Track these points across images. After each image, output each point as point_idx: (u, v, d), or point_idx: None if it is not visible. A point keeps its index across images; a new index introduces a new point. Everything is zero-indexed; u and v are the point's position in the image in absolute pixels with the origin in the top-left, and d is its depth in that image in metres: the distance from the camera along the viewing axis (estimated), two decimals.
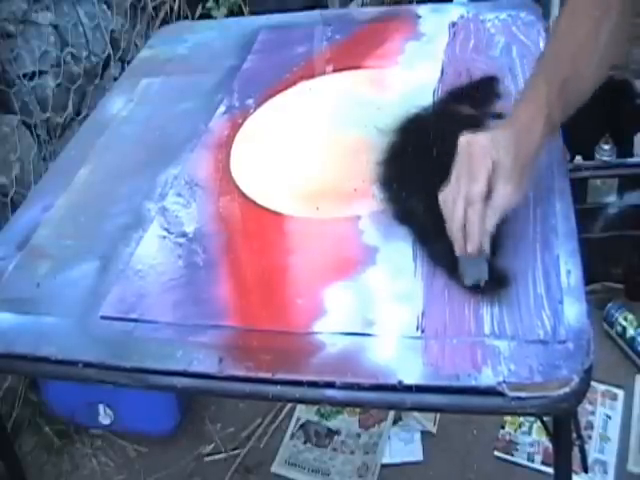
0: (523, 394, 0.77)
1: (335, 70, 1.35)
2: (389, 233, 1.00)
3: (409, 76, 1.29)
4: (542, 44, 1.29)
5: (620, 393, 1.76)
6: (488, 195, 0.86)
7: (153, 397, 1.72)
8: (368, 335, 0.86)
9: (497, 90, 1.20)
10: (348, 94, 1.29)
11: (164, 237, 1.07)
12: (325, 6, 2.45)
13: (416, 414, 1.79)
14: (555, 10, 2.19)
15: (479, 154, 0.87)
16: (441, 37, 1.37)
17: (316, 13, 1.57)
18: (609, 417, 1.72)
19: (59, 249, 1.09)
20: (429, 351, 0.83)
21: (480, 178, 0.85)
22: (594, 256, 1.47)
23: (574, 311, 0.84)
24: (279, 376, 0.83)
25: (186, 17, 2.48)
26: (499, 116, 1.09)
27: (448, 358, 0.82)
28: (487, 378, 0.79)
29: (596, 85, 0.95)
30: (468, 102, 1.19)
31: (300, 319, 0.91)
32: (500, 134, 0.89)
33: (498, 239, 0.93)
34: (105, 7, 2.23)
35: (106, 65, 2.21)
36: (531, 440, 1.71)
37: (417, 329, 0.86)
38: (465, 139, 0.89)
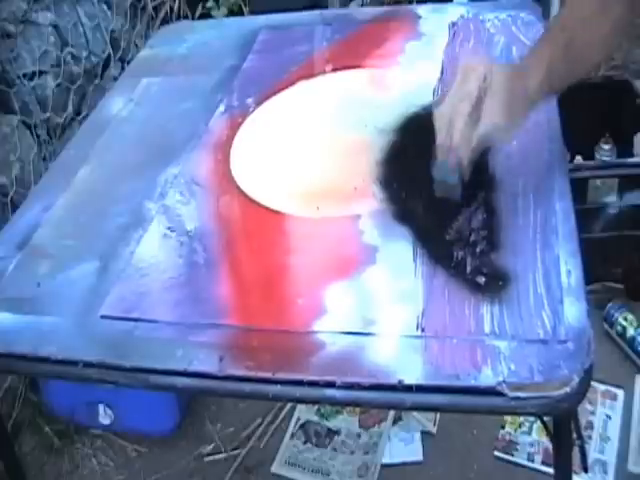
0: (523, 394, 0.77)
1: (335, 70, 1.35)
2: (389, 232, 1.00)
3: (409, 76, 1.29)
4: None
5: (620, 393, 1.76)
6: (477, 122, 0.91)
7: (153, 397, 1.72)
8: (368, 334, 0.87)
9: None
10: (348, 94, 1.29)
11: (164, 237, 1.07)
12: (325, 6, 2.44)
13: (416, 414, 1.78)
14: (555, 10, 2.19)
15: (473, 78, 0.92)
16: (441, 37, 1.37)
17: (316, 13, 1.58)
18: (609, 417, 1.72)
19: (59, 249, 1.09)
20: (429, 350, 0.83)
21: (469, 98, 0.91)
22: (594, 256, 1.46)
23: (574, 311, 0.84)
24: (279, 376, 0.83)
25: (186, 17, 2.48)
26: None
27: (448, 357, 0.82)
28: (487, 378, 0.79)
29: (601, 60, 1.01)
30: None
31: (300, 318, 0.91)
32: (499, 69, 0.94)
33: (498, 237, 0.93)
34: (105, 7, 2.23)
35: (106, 65, 2.21)
36: (531, 440, 1.71)
37: (417, 328, 0.86)
38: (465, 63, 0.96)
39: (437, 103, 0.96)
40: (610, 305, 1.88)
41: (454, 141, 0.92)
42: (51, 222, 1.14)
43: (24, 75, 1.88)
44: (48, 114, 1.95)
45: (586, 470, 1.03)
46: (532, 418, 1.66)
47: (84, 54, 2.10)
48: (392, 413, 1.81)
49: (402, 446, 1.75)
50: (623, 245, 1.88)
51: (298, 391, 0.84)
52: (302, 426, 1.83)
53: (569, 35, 0.95)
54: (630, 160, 1.89)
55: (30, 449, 1.84)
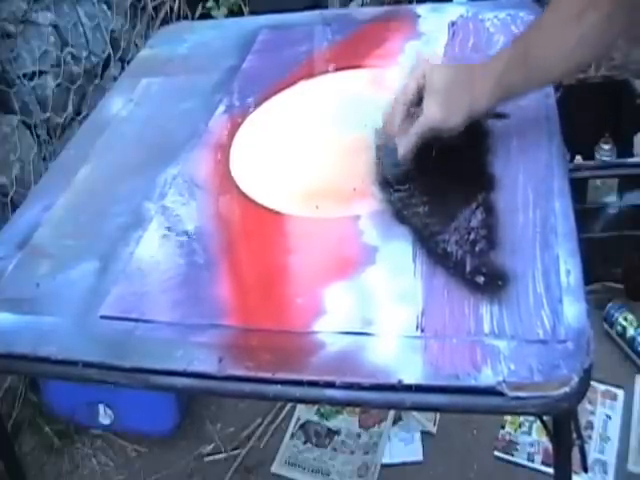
0: (523, 394, 0.77)
1: (335, 70, 1.35)
2: (389, 233, 1.00)
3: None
4: None
5: (620, 393, 1.76)
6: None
7: (153, 397, 1.72)
8: (368, 334, 0.86)
9: None
10: (348, 94, 1.29)
11: (164, 237, 1.07)
12: (325, 6, 2.44)
13: (416, 414, 1.78)
14: None
15: (413, 76, 1.00)
16: (441, 37, 1.37)
17: (316, 13, 1.57)
18: (609, 417, 1.72)
19: (59, 249, 1.09)
20: (429, 350, 0.83)
21: (409, 82, 1.00)
22: (594, 256, 1.47)
23: (574, 311, 0.84)
24: (279, 376, 0.83)
25: (186, 17, 2.49)
26: (498, 116, 1.09)
27: (448, 357, 0.82)
28: (487, 377, 0.79)
29: (561, 74, 1.02)
30: None
31: (300, 318, 0.91)
32: (446, 65, 1.02)
33: (497, 237, 0.93)
34: (105, 7, 2.23)
35: (106, 65, 2.21)
36: (531, 440, 1.71)
37: (417, 329, 0.86)
38: (414, 62, 1.04)
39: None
40: (610, 305, 1.88)
41: (394, 134, 1.02)
42: (51, 222, 1.14)
43: (24, 75, 1.89)
44: (48, 114, 1.95)
45: (586, 470, 1.03)
46: (532, 418, 1.66)
47: (84, 54, 2.10)
48: (392, 413, 1.81)
49: (402, 446, 1.75)
50: (623, 245, 1.88)
51: (298, 391, 0.84)
52: (302, 426, 1.83)
53: (528, 49, 0.95)
54: (630, 160, 1.89)
55: (30, 449, 1.85)
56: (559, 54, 0.94)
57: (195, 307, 0.95)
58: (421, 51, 1.02)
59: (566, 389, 0.76)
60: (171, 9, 2.46)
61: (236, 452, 1.81)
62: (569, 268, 0.89)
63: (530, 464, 1.67)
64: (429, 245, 0.96)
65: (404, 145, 1.01)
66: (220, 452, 1.82)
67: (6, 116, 1.86)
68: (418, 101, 1.00)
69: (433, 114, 0.97)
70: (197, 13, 2.50)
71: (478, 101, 0.97)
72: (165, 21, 2.41)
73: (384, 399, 0.82)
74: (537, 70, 0.96)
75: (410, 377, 0.80)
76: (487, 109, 1.00)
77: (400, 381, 0.80)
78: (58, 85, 1.99)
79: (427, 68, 0.99)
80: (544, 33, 0.95)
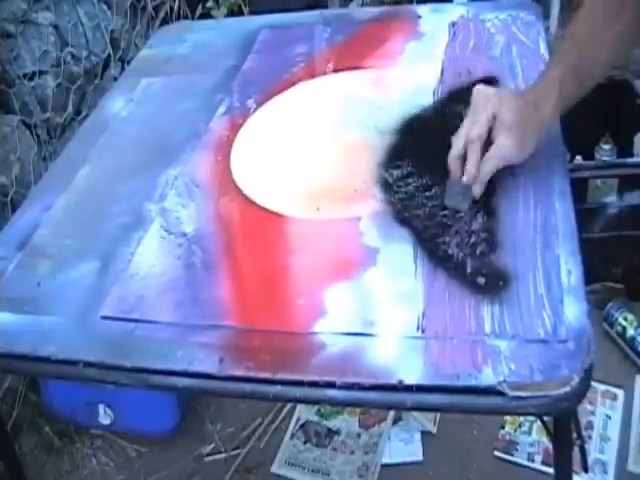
0: (523, 393, 0.77)
1: (335, 70, 1.35)
2: (389, 234, 1.00)
3: (409, 76, 1.29)
4: (542, 44, 1.29)
5: (620, 393, 1.77)
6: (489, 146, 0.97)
7: (153, 397, 1.72)
8: (368, 335, 0.86)
9: None
10: (348, 94, 1.29)
11: (164, 237, 1.06)
12: (325, 6, 2.45)
13: (416, 414, 1.78)
14: (555, 10, 2.19)
15: (483, 102, 0.99)
16: (441, 37, 1.37)
17: (316, 13, 1.57)
18: (609, 417, 1.72)
19: (59, 249, 1.09)
20: (429, 351, 0.83)
21: (480, 121, 0.97)
22: (594, 256, 1.47)
23: (574, 311, 0.84)
24: (279, 376, 0.83)
25: (186, 17, 2.48)
26: None
27: (448, 358, 0.82)
28: (487, 378, 0.79)
29: (608, 71, 1.04)
30: (468, 102, 1.19)
31: (301, 319, 0.91)
32: (509, 95, 0.99)
33: (498, 237, 0.93)
34: (105, 7, 2.23)
35: (106, 65, 2.21)
36: (531, 440, 1.71)
37: (417, 329, 0.86)
38: (477, 88, 1.00)
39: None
40: (610, 305, 1.88)
41: (466, 179, 0.99)
42: (51, 222, 1.14)
43: (24, 75, 1.88)
44: (48, 114, 1.95)
45: (586, 470, 1.03)
46: (532, 418, 1.66)
47: (84, 54, 2.10)
48: (392, 413, 1.81)
49: (402, 446, 1.75)
50: (623, 245, 1.88)
51: (298, 391, 0.84)
52: (302, 426, 1.83)
53: (578, 54, 0.97)
54: (630, 160, 1.89)
55: (30, 449, 1.84)
56: (605, 54, 0.98)
57: (196, 307, 0.95)
58: (481, 88, 1.01)
59: (566, 389, 0.77)
60: (171, 9, 2.46)
61: (236, 452, 1.81)
62: (570, 268, 0.89)
63: (530, 464, 1.67)
64: (430, 246, 0.96)
65: (481, 185, 0.99)
66: (220, 452, 1.82)
67: (6, 116, 1.85)
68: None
69: (509, 151, 0.97)
70: (197, 13, 2.49)
71: (545, 123, 0.98)
72: (165, 21, 2.40)
73: (385, 399, 0.82)
74: (587, 73, 0.98)
75: (411, 377, 0.80)
76: (552, 123, 1.01)
77: (401, 381, 0.80)
78: (58, 85, 1.99)
79: (496, 104, 0.97)
80: (589, 38, 0.97)
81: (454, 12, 1.44)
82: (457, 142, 0.99)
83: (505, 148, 0.97)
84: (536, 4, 1.44)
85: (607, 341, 1.85)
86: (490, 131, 0.97)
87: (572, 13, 1.05)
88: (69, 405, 1.80)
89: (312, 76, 1.35)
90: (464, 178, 0.99)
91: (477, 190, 0.99)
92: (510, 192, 1.02)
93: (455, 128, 1.01)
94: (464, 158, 0.99)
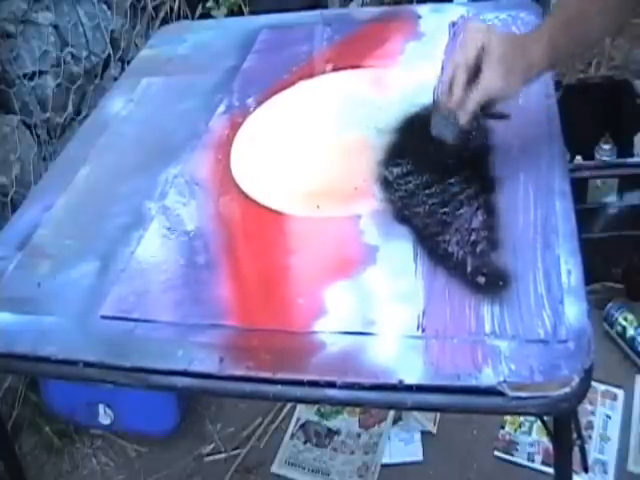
0: (523, 394, 0.77)
1: (335, 70, 1.35)
2: (389, 232, 1.00)
3: (409, 76, 1.29)
4: None
5: (620, 393, 1.76)
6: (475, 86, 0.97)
7: (153, 397, 1.72)
8: (369, 334, 0.86)
9: None
10: (348, 94, 1.29)
11: (164, 237, 1.07)
12: (325, 6, 2.45)
13: (416, 414, 1.78)
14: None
15: (473, 32, 0.99)
16: (441, 37, 1.37)
17: (316, 13, 1.58)
18: (609, 417, 1.72)
19: (59, 249, 1.09)
20: (430, 351, 0.83)
21: (468, 49, 0.98)
22: (594, 256, 1.47)
23: (574, 311, 0.84)
24: (280, 376, 0.83)
25: (186, 17, 2.48)
26: (499, 116, 1.09)
27: (449, 358, 0.82)
28: (488, 378, 0.79)
29: (602, 35, 1.07)
30: None
31: (301, 318, 0.91)
32: (498, 36, 0.99)
33: (498, 237, 0.93)
34: (105, 7, 2.23)
35: (106, 65, 2.21)
36: (531, 440, 1.71)
37: (418, 328, 0.86)
38: (467, 27, 1.01)
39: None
40: (610, 305, 1.88)
41: (452, 105, 0.99)
42: (51, 222, 1.14)
43: (24, 75, 1.88)
44: (48, 114, 1.95)
45: (586, 470, 1.03)
46: (532, 418, 1.66)
47: (84, 54, 2.10)
48: (392, 413, 1.81)
49: (402, 446, 1.75)
50: (623, 245, 1.88)
51: (298, 391, 0.84)
52: (302, 426, 1.83)
53: (568, 11, 0.99)
54: (630, 160, 1.89)
55: (30, 449, 1.84)
56: (599, 17, 0.98)
57: (196, 307, 0.95)
58: (469, 18, 1.02)
59: (567, 389, 0.77)
60: (171, 9, 2.46)
61: (236, 452, 1.80)
62: (570, 268, 0.89)
63: (530, 464, 1.67)
64: (430, 245, 0.96)
65: (466, 113, 0.99)
66: (220, 452, 1.82)
67: (6, 116, 1.85)
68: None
69: (494, 82, 0.97)
70: (197, 13, 2.49)
71: (533, 66, 0.98)
72: (165, 21, 2.40)
73: (385, 399, 0.82)
74: (580, 28, 0.99)
75: (411, 377, 0.80)
76: (541, 73, 1.01)
77: (401, 381, 0.80)
78: (58, 85, 1.99)
79: (485, 36, 0.98)
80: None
81: (454, 12, 1.44)
82: (445, 71, 1.01)
83: (491, 80, 0.97)
84: (536, 4, 1.44)
85: (607, 341, 1.85)
86: (479, 67, 0.97)
87: None
88: (69, 405, 1.80)
89: (312, 76, 1.35)
90: (450, 103, 0.99)
91: (463, 118, 0.99)
92: (510, 192, 1.02)
93: None
94: (451, 86, 1.00)
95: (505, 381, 0.78)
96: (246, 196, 1.11)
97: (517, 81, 0.98)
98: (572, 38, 0.99)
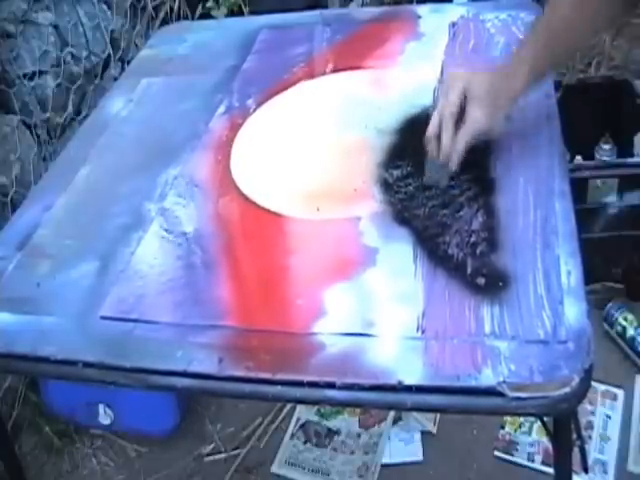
0: (523, 394, 0.77)
1: (335, 70, 1.35)
2: (389, 234, 1.00)
3: (409, 76, 1.29)
4: None
5: (620, 393, 1.76)
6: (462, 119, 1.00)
7: (153, 397, 1.72)
8: (368, 336, 0.86)
9: None
10: (348, 94, 1.29)
11: (164, 238, 1.07)
12: (325, 6, 2.44)
13: (416, 414, 1.78)
14: None
15: (452, 80, 1.04)
16: (441, 37, 1.37)
17: (316, 13, 1.57)
18: (609, 417, 1.72)
19: (59, 249, 1.09)
20: (429, 351, 0.83)
21: (451, 98, 1.01)
22: (594, 256, 1.47)
23: (574, 311, 0.84)
24: (279, 376, 0.83)
25: (186, 17, 2.48)
26: None
27: (448, 358, 0.82)
28: (487, 378, 0.79)
29: (586, 41, 1.09)
30: None
31: (300, 319, 0.91)
32: (479, 76, 1.02)
33: (498, 238, 0.93)
34: (105, 7, 2.23)
35: (106, 65, 2.21)
36: (531, 440, 1.71)
37: (417, 330, 0.86)
38: (447, 72, 1.06)
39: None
40: (610, 305, 1.88)
41: (442, 155, 1.02)
42: (51, 222, 1.14)
43: (24, 75, 1.88)
44: (48, 114, 1.95)
45: (586, 470, 1.03)
46: (532, 418, 1.66)
47: (84, 54, 2.10)
48: (392, 413, 1.81)
49: (402, 446, 1.75)
50: (623, 245, 1.88)
51: (298, 392, 0.84)
52: (302, 426, 1.83)
53: (552, 23, 1.00)
54: (630, 160, 1.89)
55: (30, 449, 1.84)
56: (576, 36, 1.00)
57: (195, 308, 0.95)
58: (446, 63, 1.03)
59: (567, 390, 0.77)
60: (171, 9, 2.46)
61: (236, 452, 1.80)
62: (570, 269, 0.89)
63: (530, 464, 1.67)
64: (430, 247, 0.96)
65: (457, 156, 1.02)
66: (220, 452, 1.82)
67: (6, 116, 1.85)
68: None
69: (479, 120, 1.00)
70: (197, 13, 2.49)
71: (517, 92, 1.00)
72: (165, 21, 2.40)
73: (384, 400, 0.82)
74: (560, 49, 1.01)
75: (410, 378, 0.80)
76: (524, 95, 1.03)
77: (400, 382, 0.80)
78: (58, 85, 1.99)
79: (465, 80, 1.01)
80: (562, 22, 0.99)
81: (454, 12, 1.44)
82: (432, 121, 1.03)
83: (475, 118, 1.00)
84: (536, 4, 1.43)
85: (607, 341, 1.85)
86: (463, 109, 1.00)
87: None
88: (69, 405, 1.80)
89: (312, 76, 1.35)
90: (440, 154, 1.02)
91: (453, 163, 1.02)
92: (510, 193, 1.02)
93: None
94: (440, 137, 1.02)
95: (505, 382, 0.78)
96: (246, 197, 1.11)
97: (502, 112, 1.02)
98: (555, 55, 1.01)
